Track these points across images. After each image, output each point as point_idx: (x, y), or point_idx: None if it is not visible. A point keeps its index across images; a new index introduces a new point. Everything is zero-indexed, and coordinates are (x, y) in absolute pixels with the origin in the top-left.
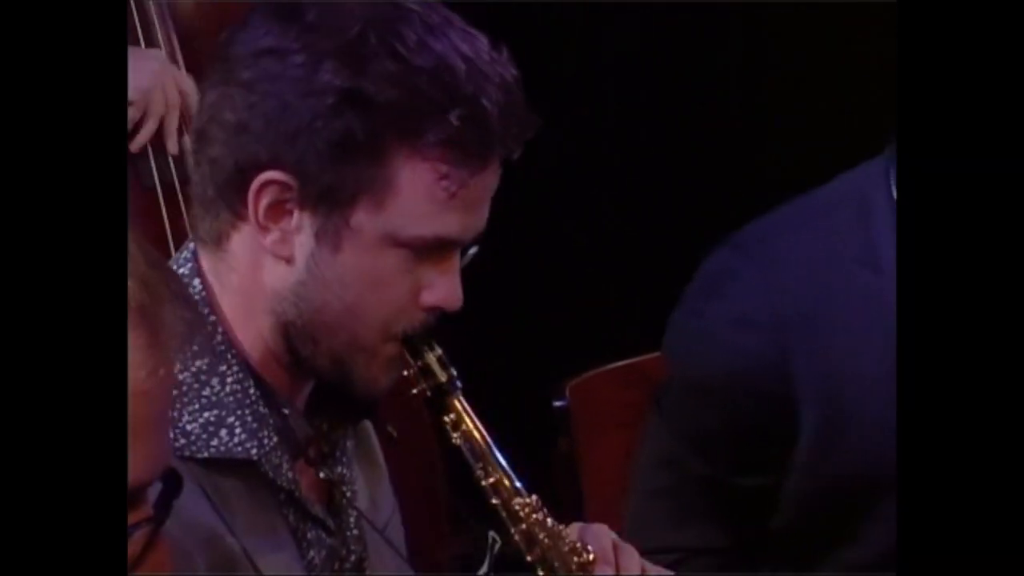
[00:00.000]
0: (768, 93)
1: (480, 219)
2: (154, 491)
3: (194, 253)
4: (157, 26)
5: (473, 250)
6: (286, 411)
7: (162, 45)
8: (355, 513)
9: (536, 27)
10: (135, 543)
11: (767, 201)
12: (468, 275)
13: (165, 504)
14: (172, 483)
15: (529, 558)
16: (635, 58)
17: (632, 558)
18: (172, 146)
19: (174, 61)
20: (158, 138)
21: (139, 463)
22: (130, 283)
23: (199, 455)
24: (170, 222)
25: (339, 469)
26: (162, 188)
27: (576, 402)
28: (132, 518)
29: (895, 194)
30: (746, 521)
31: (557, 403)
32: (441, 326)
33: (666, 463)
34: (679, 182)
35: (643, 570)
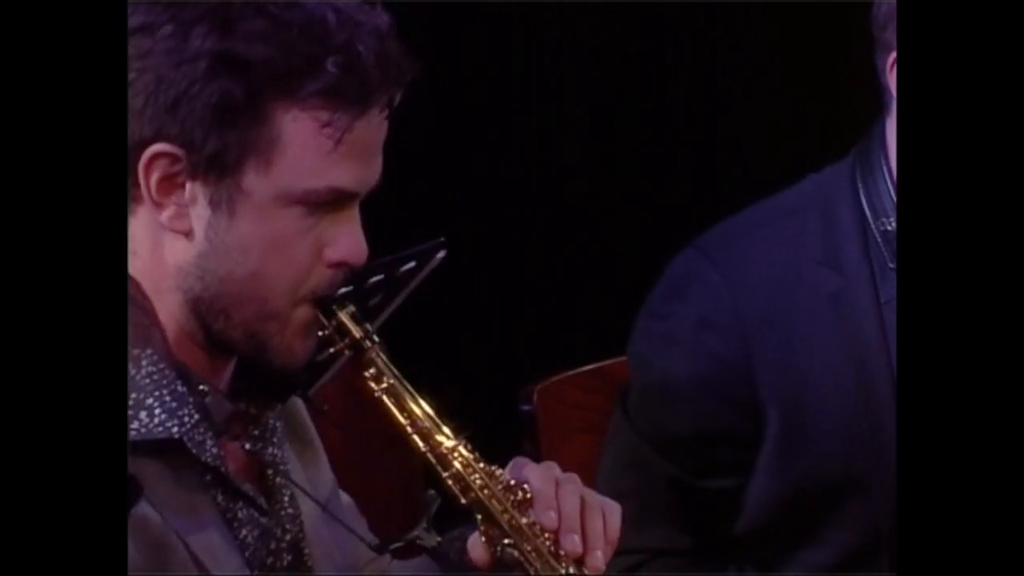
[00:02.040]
0: (741, 97)
1: (372, 170)
2: None
3: None
4: None
5: (441, 254)
6: (204, 388)
7: None
8: (288, 493)
9: (505, 26)
10: None
11: (737, 206)
12: (436, 279)
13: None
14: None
15: (464, 501)
16: (605, 60)
17: (572, 495)
18: None
19: None
20: None
21: None
22: None
23: None
24: None
25: (269, 450)
26: None
27: (542, 406)
28: None
29: (862, 196)
30: (710, 522)
31: (524, 407)
32: (411, 328)
33: (631, 465)
34: (648, 187)
35: (583, 503)
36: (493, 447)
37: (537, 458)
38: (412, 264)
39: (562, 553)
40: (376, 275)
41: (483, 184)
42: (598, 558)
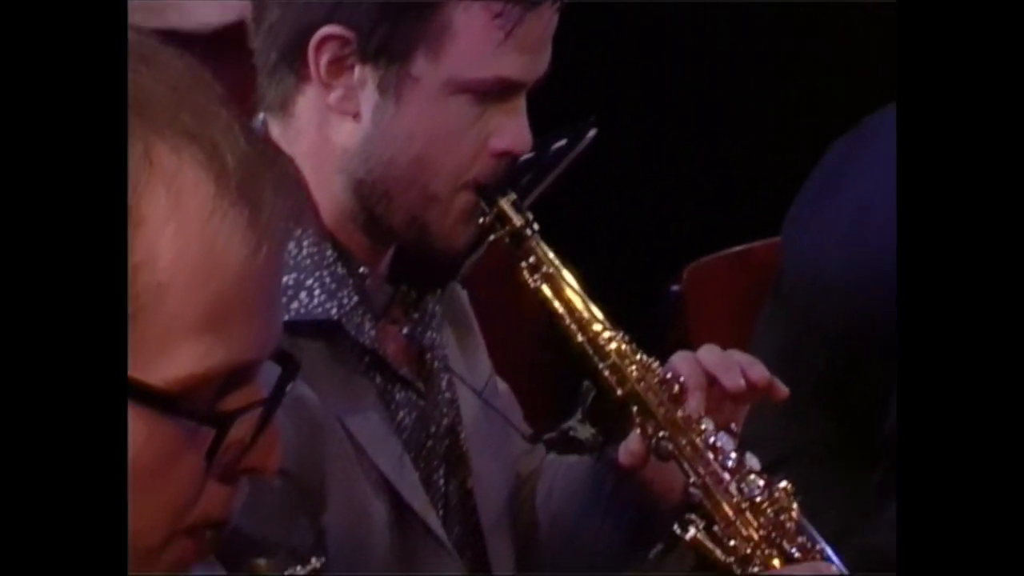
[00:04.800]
0: None
1: (540, 62)
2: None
3: (264, 123)
4: None
5: (591, 133)
6: (364, 271)
7: None
8: (446, 378)
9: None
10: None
11: None
12: (586, 160)
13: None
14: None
15: (619, 392)
16: None
17: (711, 350)
18: None
19: None
20: None
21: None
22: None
23: None
24: None
25: (428, 334)
26: None
27: (691, 287)
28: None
29: None
30: (860, 418)
31: (673, 288)
32: (561, 212)
33: (781, 354)
34: (809, 73)
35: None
36: (640, 330)
37: (685, 341)
38: (563, 142)
39: (719, 445)
40: (527, 153)
41: (636, 62)
42: (763, 371)
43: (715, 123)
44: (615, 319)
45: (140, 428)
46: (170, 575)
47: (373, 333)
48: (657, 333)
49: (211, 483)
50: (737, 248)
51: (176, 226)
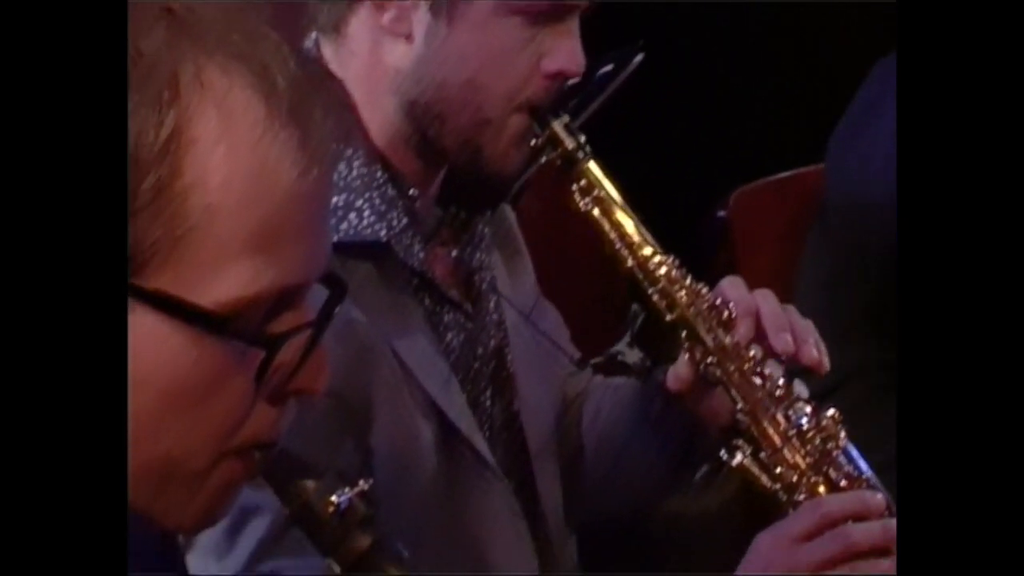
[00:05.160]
0: None
1: None
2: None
3: (316, 43)
4: None
5: (638, 57)
6: (414, 193)
7: None
8: (494, 299)
9: None
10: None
11: None
12: (634, 83)
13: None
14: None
15: (669, 318)
16: None
17: (769, 297)
18: None
19: None
20: None
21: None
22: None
23: None
24: None
25: (477, 255)
26: None
27: (737, 212)
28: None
29: None
30: None
31: (719, 213)
32: (608, 136)
33: (828, 281)
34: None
35: (790, 321)
36: (687, 255)
37: (732, 267)
38: (610, 67)
39: (767, 372)
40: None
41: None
42: (812, 348)
43: (763, 47)
44: (661, 244)
45: (190, 349)
46: (219, 495)
47: (422, 255)
48: (703, 259)
49: (260, 404)
50: (784, 174)
51: (227, 147)
